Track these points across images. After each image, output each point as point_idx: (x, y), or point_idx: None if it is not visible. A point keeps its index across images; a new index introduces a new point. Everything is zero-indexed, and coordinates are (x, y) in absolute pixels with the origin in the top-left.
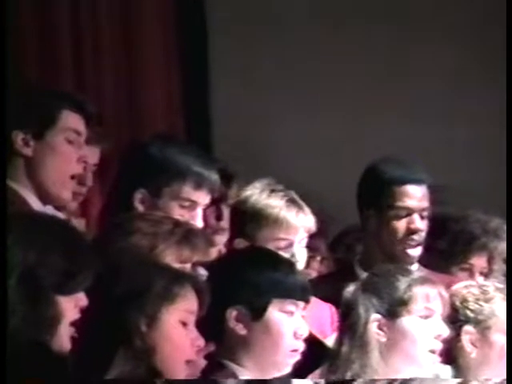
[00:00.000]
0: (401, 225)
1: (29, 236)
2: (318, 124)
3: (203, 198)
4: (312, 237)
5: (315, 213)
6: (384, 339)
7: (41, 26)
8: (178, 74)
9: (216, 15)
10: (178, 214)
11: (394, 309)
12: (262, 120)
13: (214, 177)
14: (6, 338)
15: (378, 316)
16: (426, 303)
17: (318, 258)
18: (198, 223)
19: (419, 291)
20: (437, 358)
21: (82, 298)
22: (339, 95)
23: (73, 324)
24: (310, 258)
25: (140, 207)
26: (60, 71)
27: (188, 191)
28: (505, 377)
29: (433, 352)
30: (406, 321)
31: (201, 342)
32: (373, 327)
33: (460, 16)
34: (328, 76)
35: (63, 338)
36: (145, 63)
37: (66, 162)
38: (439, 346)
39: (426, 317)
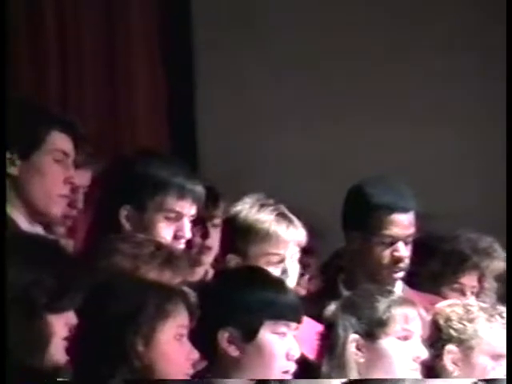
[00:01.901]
0: (386, 252)
1: (20, 256)
2: (308, 137)
3: (188, 209)
4: (302, 254)
5: (306, 230)
6: (362, 360)
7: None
8: (164, 87)
9: (202, 23)
10: (165, 226)
11: (372, 329)
12: (249, 132)
13: (198, 188)
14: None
15: (357, 336)
16: (404, 324)
17: (307, 277)
18: (187, 234)
19: (398, 312)
20: (417, 378)
21: (71, 317)
22: (330, 106)
23: (66, 339)
24: (300, 276)
25: (126, 224)
26: (45, 85)
27: (171, 202)
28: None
29: (413, 371)
30: (385, 342)
31: (195, 354)
32: (351, 347)
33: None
34: (318, 87)
35: (57, 353)
36: (129, 76)
37: (52, 183)
38: (417, 368)
39: (405, 338)
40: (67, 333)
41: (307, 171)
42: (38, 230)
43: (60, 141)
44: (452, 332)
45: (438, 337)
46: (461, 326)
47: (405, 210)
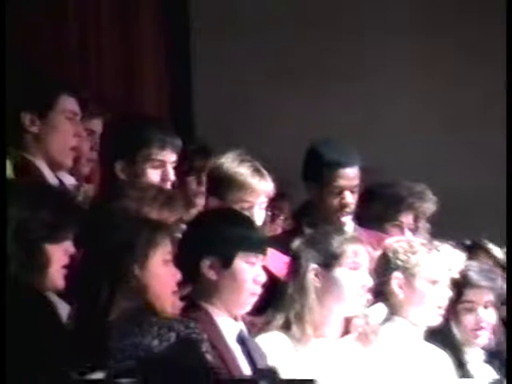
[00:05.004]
0: (335, 200)
1: (24, 198)
2: (293, 101)
3: (169, 157)
4: (278, 199)
5: (282, 179)
6: (319, 285)
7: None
8: (165, 64)
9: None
10: (152, 172)
11: (328, 261)
12: (238, 99)
13: (177, 141)
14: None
15: (316, 266)
16: (354, 258)
17: (282, 217)
18: (171, 177)
19: (349, 248)
20: (363, 301)
21: (69, 247)
22: (318, 76)
23: (65, 267)
24: (276, 217)
25: (122, 175)
26: (66, 60)
27: (155, 153)
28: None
29: (360, 296)
30: (338, 272)
31: (178, 275)
32: (311, 275)
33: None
34: (305, 54)
35: (56, 278)
36: (138, 56)
37: (65, 137)
38: (363, 294)
39: (355, 269)
40: (67, 261)
41: (290, 131)
42: (63, 174)
43: (69, 103)
44: (398, 262)
45: (386, 266)
46: (405, 257)
47: (350, 165)
